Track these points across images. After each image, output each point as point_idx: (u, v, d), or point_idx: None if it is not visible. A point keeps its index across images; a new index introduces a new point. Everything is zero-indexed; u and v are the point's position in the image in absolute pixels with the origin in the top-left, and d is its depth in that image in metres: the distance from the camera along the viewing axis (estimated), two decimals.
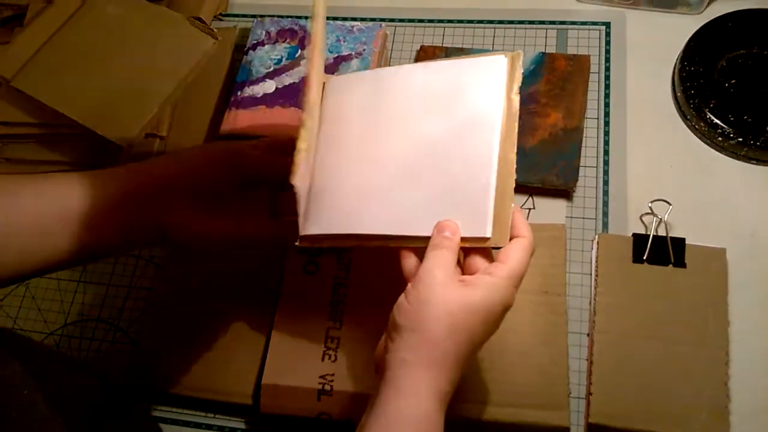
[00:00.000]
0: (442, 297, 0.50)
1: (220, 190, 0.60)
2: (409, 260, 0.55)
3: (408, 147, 0.58)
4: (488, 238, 0.53)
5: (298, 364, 0.70)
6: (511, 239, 0.53)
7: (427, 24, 0.91)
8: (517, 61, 0.57)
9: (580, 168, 0.77)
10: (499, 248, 0.53)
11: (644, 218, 0.75)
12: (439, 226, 0.54)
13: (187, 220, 0.59)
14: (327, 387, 0.69)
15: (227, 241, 0.62)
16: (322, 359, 0.70)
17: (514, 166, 0.54)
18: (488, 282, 0.51)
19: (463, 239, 0.54)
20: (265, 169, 0.61)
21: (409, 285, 0.52)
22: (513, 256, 0.52)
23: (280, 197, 0.64)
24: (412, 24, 0.92)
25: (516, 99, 0.56)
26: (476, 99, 0.57)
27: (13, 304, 0.83)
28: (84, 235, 0.57)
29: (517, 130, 0.55)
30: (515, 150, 0.54)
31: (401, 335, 0.50)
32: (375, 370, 0.55)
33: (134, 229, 0.59)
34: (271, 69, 0.86)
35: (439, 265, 0.51)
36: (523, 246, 0.53)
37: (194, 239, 0.60)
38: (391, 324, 0.52)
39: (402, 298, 0.52)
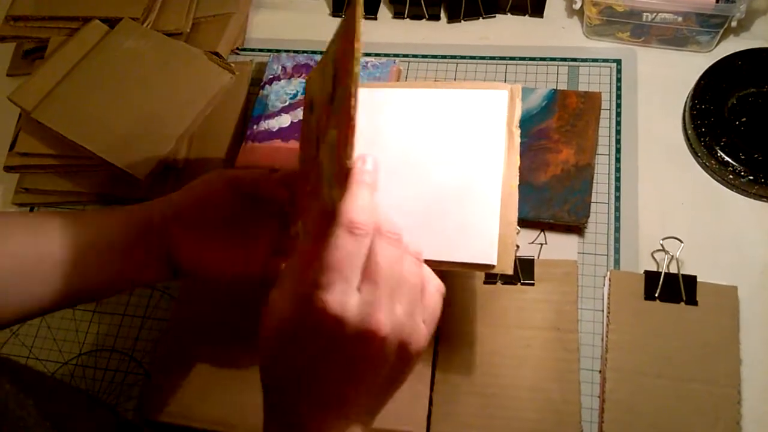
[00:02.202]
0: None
1: (229, 217, 0.60)
2: None
3: (411, 173, 0.60)
4: (494, 266, 0.55)
5: None
6: None
7: (440, 60, 0.93)
8: (516, 94, 0.60)
9: (592, 204, 0.78)
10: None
11: (656, 255, 0.75)
12: None
13: (196, 253, 0.60)
14: None
15: (236, 275, 0.62)
16: None
17: (517, 196, 0.57)
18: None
19: (469, 265, 0.56)
20: (272, 197, 0.61)
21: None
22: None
23: (281, 236, 0.64)
24: (426, 60, 0.93)
25: (517, 132, 0.60)
26: (479, 132, 0.60)
27: (29, 333, 0.83)
28: (103, 270, 0.59)
29: (518, 161, 0.59)
30: (517, 180, 0.58)
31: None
32: None
33: (143, 265, 0.60)
34: (287, 103, 0.87)
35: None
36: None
37: (203, 272, 0.61)
38: None
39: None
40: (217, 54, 0.94)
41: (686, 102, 0.83)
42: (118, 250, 0.59)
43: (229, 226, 0.61)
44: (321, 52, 0.96)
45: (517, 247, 0.72)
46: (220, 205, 0.59)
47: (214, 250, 0.61)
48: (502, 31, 0.94)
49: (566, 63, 0.89)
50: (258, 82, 0.93)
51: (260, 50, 0.99)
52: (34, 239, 0.58)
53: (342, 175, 0.44)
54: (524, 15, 0.95)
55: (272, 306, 0.44)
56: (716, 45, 0.86)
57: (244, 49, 1.00)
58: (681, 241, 0.72)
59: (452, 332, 0.72)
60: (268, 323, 0.44)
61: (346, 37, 0.46)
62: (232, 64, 0.93)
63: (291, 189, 0.61)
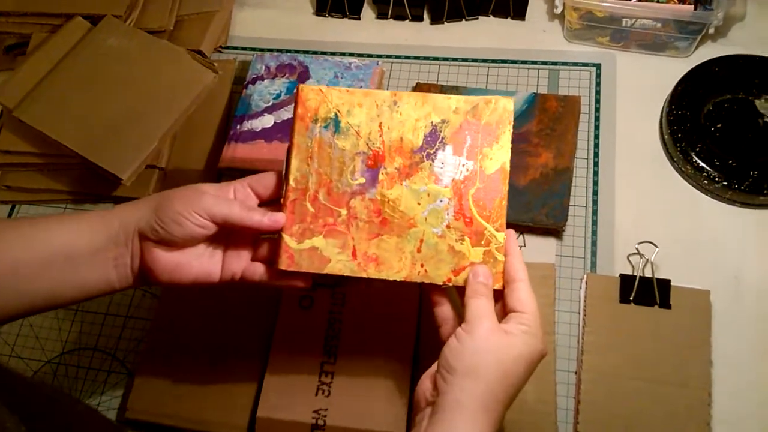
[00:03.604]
0: (493, 346, 0.54)
1: (204, 234, 0.59)
2: (443, 307, 0.60)
3: None
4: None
5: (293, 398, 0.72)
6: (509, 281, 0.58)
7: (423, 61, 0.93)
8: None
9: (570, 207, 0.79)
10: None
11: (631, 258, 0.77)
12: (474, 271, 0.58)
13: (170, 265, 0.59)
14: (320, 422, 0.70)
15: (210, 282, 0.62)
16: (316, 394, 0.72)
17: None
18: (526, 332, 0.55)
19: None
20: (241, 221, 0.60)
21: (461, 329, 0.55)
22: (527, 303, 0.56)
23: (261, 241, 0.63)
24: (408, 61, 0.94)
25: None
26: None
27: (11, 332, 0.84)
28: (67, 278, 0.59)
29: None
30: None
31: (456, 378, 0.53)
32: (415, 407, 0.57)
33: (111, 274, 0.60)
34: (270, 104, 0.88)
35: (486, 314, 0.55)
36: (528, 289, 0.57)
37: (177, 282, 0.60)
38: (444, 366, 0.54)
39: (455, 342, 0.55)
40: (200, 52, 0.94)
41: (663, 107, 0.84)
42: (85, 260, 0.59)
43: (204, 240, 0.61)
44: (305, 52, 0.96)
45: None
46: (195, 226, 0.58)
47: (188, 262, 0.60)
48: (485, 33, 0.95)
49: (547, 66, 0.90)
50: (241, 80, 0.93)
51: (243, 49, 1.00)
52: (25, 242, 0.58)
53: (479, 237, 0.59)
54: (506, 17, 0.96)
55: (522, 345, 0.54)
56: (694, 50, 0.88)
57: (228, 47, 1.00)
58: (656, 246, 0.74)
59: (431, 332, 0.73)
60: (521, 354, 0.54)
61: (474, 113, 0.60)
62: (216, 63, 0.93)
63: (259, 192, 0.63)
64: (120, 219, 0.60)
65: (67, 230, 0.59)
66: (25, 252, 0.58)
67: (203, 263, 0.61)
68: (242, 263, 0.62)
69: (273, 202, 0.62)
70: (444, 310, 0.60)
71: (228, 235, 0.62)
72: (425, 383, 0.57)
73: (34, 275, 0.58)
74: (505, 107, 0.60)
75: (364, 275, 0.59)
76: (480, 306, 0.56)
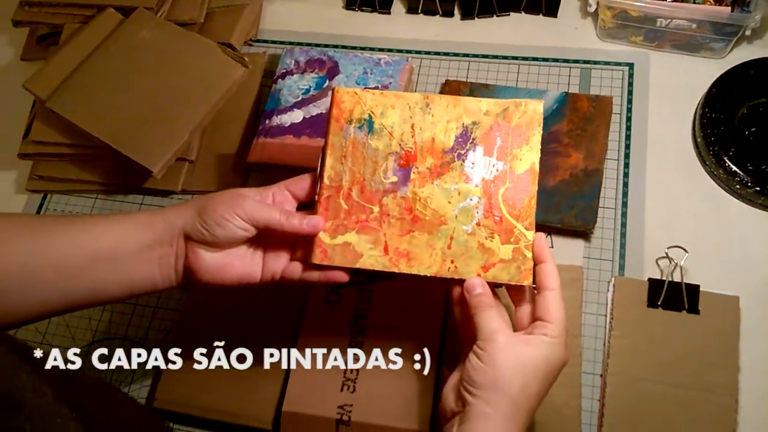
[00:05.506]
0: (512, 360, 0.56)
1: (242, 236, 0.61)
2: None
3: None
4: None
5: (318, 394, 0.73)
6: (541, 288, 0.59)
7: (453, 58, 0.93)
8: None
9: (599, 209, 0.78)
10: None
11: (660, 262, 0.76)
12: (467, 287, 0.59)
13: (214, 268, 0.61)
14: (345, 417, 0.71)
15: (252, 283, 0.63)
16: (341, 389, 0.73)
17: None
18: (546, 342, 0.57)
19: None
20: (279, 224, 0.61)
21: (477, 347, 0.57)
22: (555, 312, 0.58)
23: (298, 241, 0.64)
24: (438, 57, 0.94)
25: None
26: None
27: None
28: (111, 276, 0.60)
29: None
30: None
31: (480, 392, 0.55)
32: (442, 418, 0.59)
33: (155, 275, 0.62)
34: (299, 99, 0.88)
35: (497, 327, 0.57)
36: (558, 299, 0.58)
37: (220, 284, 0.62)
38: (467, 381, 0.56)
39: (475, 360, 0.56)
40: (230, 46, 0.94)
41: (697, 109, 0.83)
42: (129, 258, 0.60)
43: (245, 242, 0.62)
44: (334, 46, 0.96)
45: None
46: (237, 228, 0.60)
47: (230, 262, 0.62)
48: (516, 29, 0.94)
49: (578, 65, 0.89)
50: (271, 74, 0.94)
51: (273, 42, 1.00)
52: (40, 243, 0.59)
53: (508, 234, 0.60)
54: (538, 14, 0.95)
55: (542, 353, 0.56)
56: (729, 52, 0.86)
57: (257, 40, 1.00)
58: (686, 251, 0.73)
59: (457, 332, 0.74)
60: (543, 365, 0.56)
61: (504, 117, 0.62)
62: (245, 56, 0.93)
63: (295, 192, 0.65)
64: (165, 220, 0.61)
65: (112, 229, 0.61)
66: (70, 249, 0.60)
67: (245, 264, 0.63)
68: (282, 263, 0.63)
69: (310, 203, 0.64)
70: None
71: (268, 237, 0.63)
72: (449, 395, 0.59)
73: (78, 273, 0.60)
74: (535, 110, 0.62)
75: (395, 270, 0.61)
76: (489, 319, 0.57)
